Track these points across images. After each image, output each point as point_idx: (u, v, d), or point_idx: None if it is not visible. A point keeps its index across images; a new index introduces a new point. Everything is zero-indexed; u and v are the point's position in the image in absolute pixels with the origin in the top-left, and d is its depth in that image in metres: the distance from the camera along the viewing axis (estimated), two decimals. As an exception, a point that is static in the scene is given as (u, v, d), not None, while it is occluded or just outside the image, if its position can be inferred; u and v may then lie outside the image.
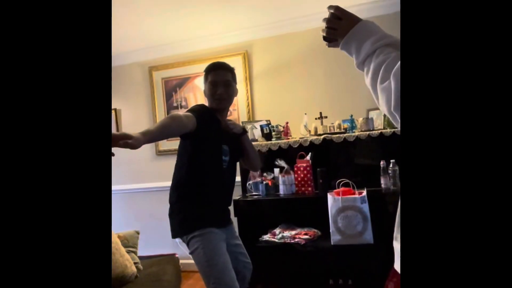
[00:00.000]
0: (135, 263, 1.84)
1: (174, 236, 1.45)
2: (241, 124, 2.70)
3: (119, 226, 2.50)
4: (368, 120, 2.34)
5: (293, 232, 2.11)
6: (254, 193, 2.40)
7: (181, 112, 1.35)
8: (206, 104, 1.52)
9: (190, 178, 1.43)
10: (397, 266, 0.59)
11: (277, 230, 2.17)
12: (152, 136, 1.11)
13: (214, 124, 1.45)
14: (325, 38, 0.73)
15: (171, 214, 1.46)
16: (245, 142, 1.55)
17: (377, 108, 2.42)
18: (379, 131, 2.25)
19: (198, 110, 1.39)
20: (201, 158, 1.41)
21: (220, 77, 1.45)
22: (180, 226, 1.43)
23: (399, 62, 0.51)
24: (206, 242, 1.35)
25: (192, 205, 1.42)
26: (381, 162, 2.15)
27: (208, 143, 1.41)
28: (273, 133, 2.52)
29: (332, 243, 1.92)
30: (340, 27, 0.69)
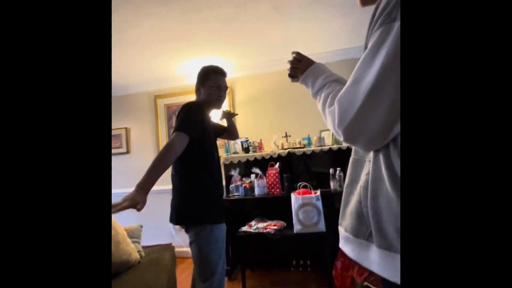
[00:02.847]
0: (138, 251, 1.73)
1: (175, 223, 1.17)
2: (225, 140, 2.68)
3: (126, 221, 2.36)
4: (320, 138, 2.40)
5: (265, 224, 2.08)
6: (235, 194, 2.36)
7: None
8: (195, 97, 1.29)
9: (194, 171, 1.14)
10: (341, 245, 0.59)
11: (253, 223, 2.14)
12: (153, 183, 0.95)
13: (207, 120, 1.23)
14: (289, 75, 0.74)
15: (176, 204, 1.17)
16: (232, 122, 1.55)
17: (328, 129, 2.49)
18: (329, 147, 2.31)
19: (193, 118, 1.11)
20: (201, 153, 1.16)
21: (224, 83, 1.27)
22: (184, 216, 1.15)
23: (340, 92, 0.52)
24: (206, 242, 1.10)
25: (196, 197, 1.14)
26: (330, 170, 2.19)
27: (205, 139, 1.16)
28: (251, 147, 2.52)
29: (294, 232, 1.90)
30: (300, 67, 0.70)
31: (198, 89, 1.27)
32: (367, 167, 0.53)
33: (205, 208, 1.14)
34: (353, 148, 0.59)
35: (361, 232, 0.53)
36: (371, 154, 0.52)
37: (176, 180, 1.19)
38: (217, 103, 1.26)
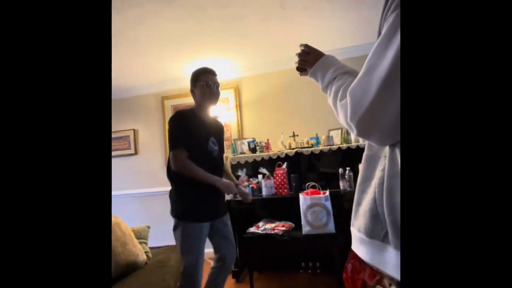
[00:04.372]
0: (145, 252, 1.73)
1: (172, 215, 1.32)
2: (232, 140, 2.67)
3: (134, 221, 2.37)
4: (329, 138, 2.35)
5: (273, 225, 2.05)
6: (242, 194, 2.33)
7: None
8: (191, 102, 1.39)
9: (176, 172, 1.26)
10: (353, 247, 0.56)
11: (260, 224, 2.11)
12: (208, 180, 1.25)
13: (199, 124, 1.30)
14: (297, 68, 0.71)
15: (172, 198, 1.32)
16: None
17: (336, 128, 2.44)
18: (337, 146, 2.26)
19: (177, 130, 1.23)
20: (193, 153, 1.25)
21: (213, 80, 1.32)
22: (176, 210, 1.29)
23: (353, 83, 0.49)
24: (179, 235, 1.25)
25: (188, 194, 1.26)
26: (340, 170, 2.14)
27: (197, 142, 1.27)
28: (258, 147, 2.49)
29: (303, 233, 1.86)
30: (308, 60, 0.67)
31: (192, 92, 1.36)
32: (383, 163, 0.50)
33: (181, 205, 1.27)
34: (366, 143, 0.56)
35: (376, 232, 0.49)
36: (387, 149, 0.49)
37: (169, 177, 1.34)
38: (211, 100, 1.32)
